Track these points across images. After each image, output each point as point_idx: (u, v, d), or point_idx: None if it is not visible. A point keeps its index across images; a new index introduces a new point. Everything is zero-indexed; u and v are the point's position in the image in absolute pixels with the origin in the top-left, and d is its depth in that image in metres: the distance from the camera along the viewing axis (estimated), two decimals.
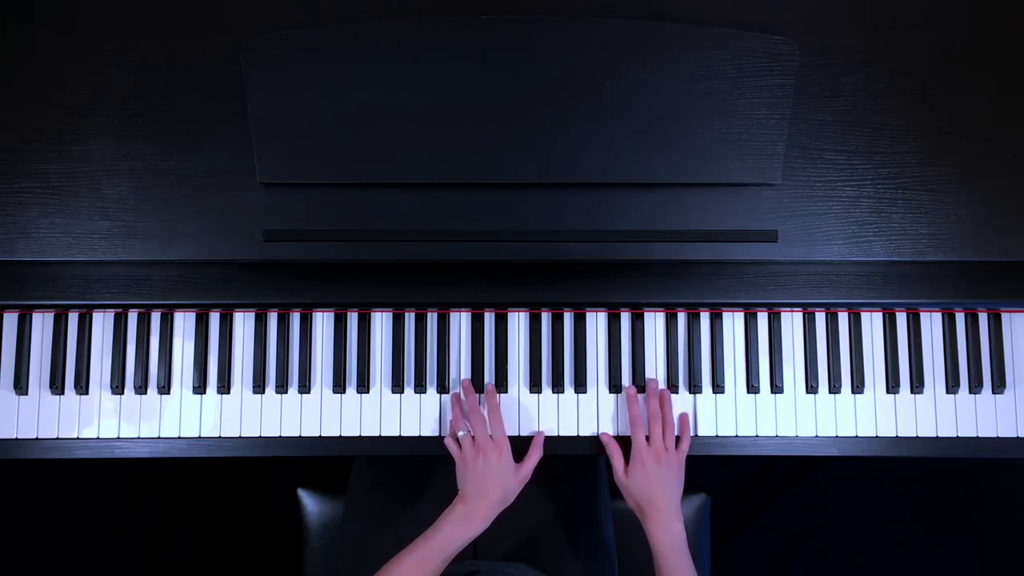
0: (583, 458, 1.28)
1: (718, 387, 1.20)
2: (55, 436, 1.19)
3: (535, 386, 1.20)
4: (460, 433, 1.15)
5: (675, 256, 1.13)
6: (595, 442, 1.19)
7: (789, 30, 1.11)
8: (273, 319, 1.21)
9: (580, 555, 1.23)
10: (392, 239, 1.11)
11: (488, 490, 1.10)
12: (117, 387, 1.19)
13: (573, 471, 1.29)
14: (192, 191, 1.11)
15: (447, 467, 1.29)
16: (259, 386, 1.19)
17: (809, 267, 1.15)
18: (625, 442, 1.17)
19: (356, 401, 1.20)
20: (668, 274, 1.15)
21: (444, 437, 1.17)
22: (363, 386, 1.19)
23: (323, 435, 1.19)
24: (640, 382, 1.20)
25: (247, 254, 1.11)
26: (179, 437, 1.19)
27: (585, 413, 1.20)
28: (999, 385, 1.21)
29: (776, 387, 1.20)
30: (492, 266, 1.15)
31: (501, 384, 1.19)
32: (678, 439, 1.17)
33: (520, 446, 1.17)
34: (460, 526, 1.09)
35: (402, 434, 1.19)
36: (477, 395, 1.19)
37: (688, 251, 1.12)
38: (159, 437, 1.19)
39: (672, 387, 1.20)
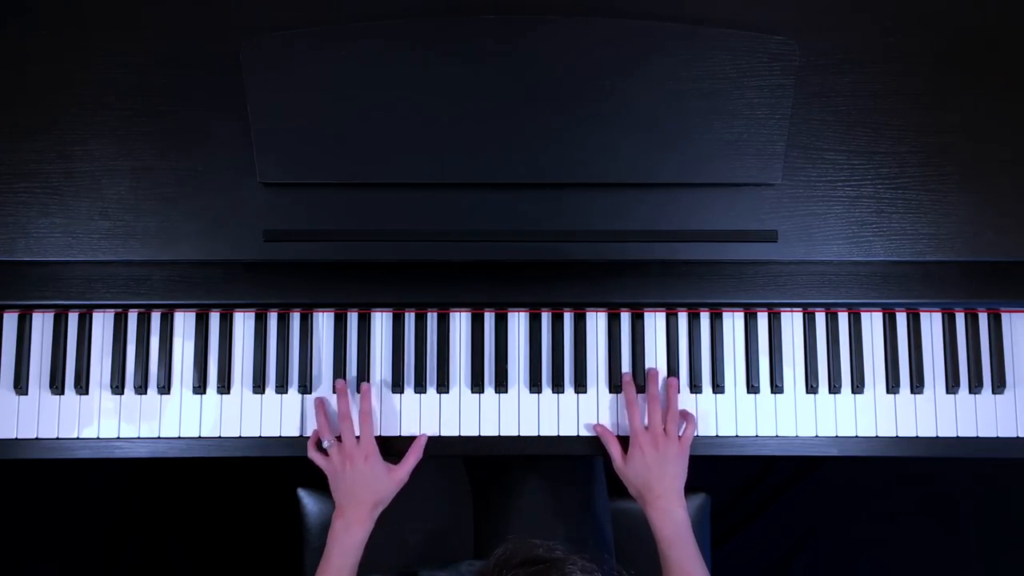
0: (583, 459, 1.28)
1: (718, 387, 1.20)
2: (55, 436, 1.19)
3: (535, 386, 1.20)
4: (325, 443, 1.13)
5: (675, 256, 1.13)
6: (595, 442, 1.19)
7: (789, 30, 1.11)
8: (273, 319, 1.21)
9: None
10: (392, 239, 1.11)
11: (358, 496, 1.10)
12: (117, 387, 1.19)
13: (573, 472, 1.29)
14: (192, 191, 1.11)
15: (446, 467, 1.29)
16: (259, 386, 1.19)
17: (809, 267, 1.15)
18: (625, 441, 1.17)
19: (355, 402, 1.20)
20: (668, 274, 1.15)
21: (307, 450, 1.15)
22: None
23: None
24: (640, 383, 1.19)
25: (247, 254, 1.11)
26: (179, 437, 1.19)
27: (585, 413, 1.20)
28: (999, 385, 1.20)
29: (776, 387, 1.20)
30: (492, 266, 1.15)
31: (501, 384, 1.19)
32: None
33: (519, 447, 1.17)
34: (344, 539, 1.09)
35: (402, 434, 1.19)
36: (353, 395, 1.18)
37: (688, 251, 1.12)
38: (159, 437, 1.19)
39: None
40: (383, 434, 1.19)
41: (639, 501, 1.13)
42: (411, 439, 1.17)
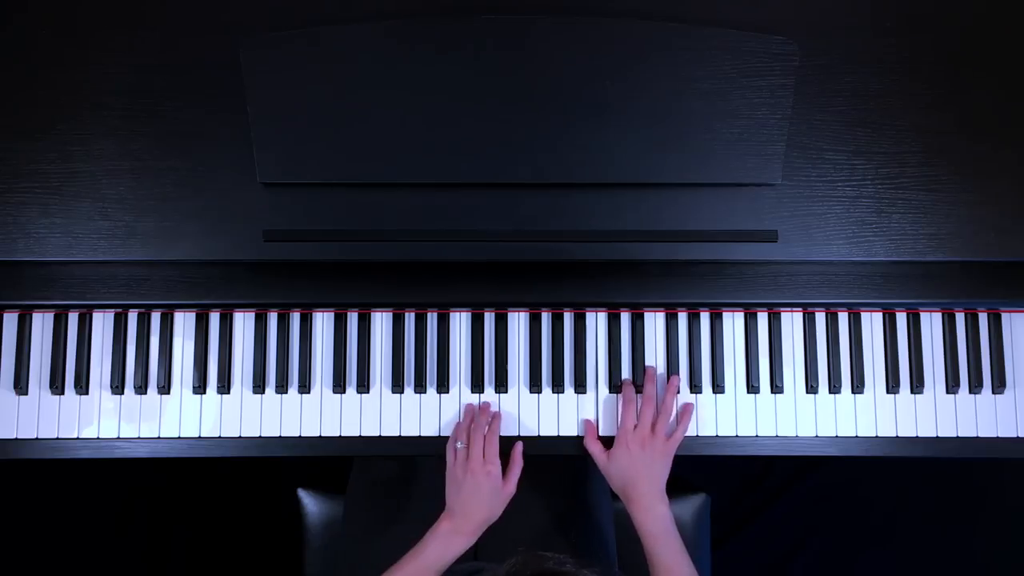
0: (583, 459, 1.28)
1: (718, 387, 1.20)
2: (55, 436, 1.19)
3: (535, 386, 1.20)
4: (459, 444, 1.14)
5: (675, 256, 1.13)
6: None
7: (789, 30, 1.11)
8: (273, 319, 1.21)
9: (581, 556, 1.23)
10: (392, 239, 1.11)
11: (473, 511, 1.10)
12: (117, 387, 1.19)
13: (573, 472, 1.29)
14: (192, 191, 1.11)
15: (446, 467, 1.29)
16: (259, 386, 1.19)
17: (809, 267, 1.15)
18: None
19: (356, 401, 1.20)
20: (668, 274, 1.15)
21: (447, 442, 1.16)
22: (363, 386, 1.19)
23: (323, 435, 1.19)
24: (640, 383, 1.19)
25: (247, 254, 1.11)
26: (179, 437, 1.19)
27: (585, 413, 1.20)
28: (999, 385, 1.20)
29: (776, 387, 1.20)
30: (492, 266, 1.15)
31: (501, 384, 1.19)
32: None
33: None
34: (446, 543, 1.09)
35: (402, 434, 1.19)
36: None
37: (688, 251, 1.12)
38: (159, 437, 1.19)
39: None
40: (383, 434, 1.19)
41: (622, 498, 1.14)
42: (406, 440, 1.17)
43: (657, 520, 1.10)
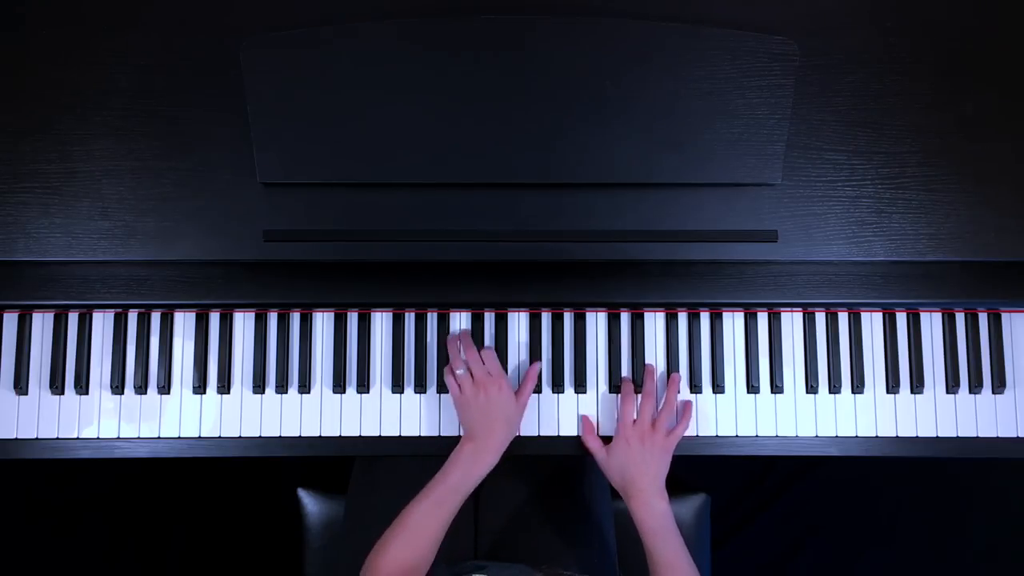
0: (583, 458, 1.28)
1: (718, 387, 1.20)
2: (55, 436, 1.19)
3: (535, 386, 1.20)
4: (459, 371, 1.14)
5: (675, 256, 1.13)
6: None
7: (789, 30, 1.11)
8: (273, 319, 1.21)
9: (579, 551, 1.23)
10: (392, 239, 1.11)
11: (494, 424, 1.11)
12: (117, 387, 1.19)
13: (573, 471, 1.29)
14: (192, 191, 1.11)
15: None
16: (259, 386, 1.19)
17: (809, 267, 1.15)
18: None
19: (356, 401, 1.20)
20: (668, 274, 1.15)
21: (444, 373, 1.17)
22: (363, 386, 1.19)
23: (323, 435, 1.19)
24: (640, 382, 1.20)
25: (247, 254, 1.11)
26: (179, 437, 1.19)
27: (585, 413, 1.20)
28: (999, 385, 1.21)
29: (776, 387, 1.20)
30: (492, 266, 1.15)
31: None
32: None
33: (519, 447, 1.17)
34: (472, 464, 1.09)
35: (402, 434, 1.19)
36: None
37: (688, 251, 1.12)
38: (159, 437, 1.19)
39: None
40: (384, 434, 1.19)
41: (621, 493, 1.14)
42: (406, 440, 1.17)
43: (656, 516, 1.10)
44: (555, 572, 0.87)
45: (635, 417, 1.16)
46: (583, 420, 1.19)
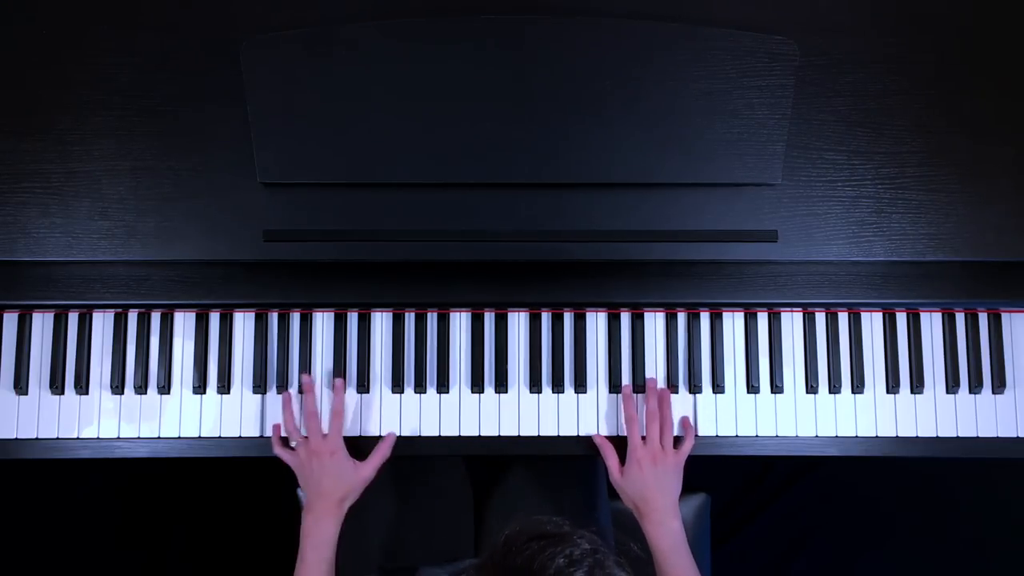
0: (583, 459, 1.28)
1: (718, 387, 1.20)
2: (55, 436, 1.19)
3: (535, 386, 1.20)
4: (293, 444, 1.13)
5: (675, 256, 1.13)
6: (594, 443, 1.19)
7: (789, 30, 1.11)
8: (273, 319, 1.21)
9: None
10: (392, 239, 1.11)
11: (325, 490, 1.09)
12: (117, 387, 1.19)
13: (574, 472, 1.29)
14: (192, 191, 1.11)
15: (447, 467, 1.29)
16: (259, 386, 1.19)
17: (809, 267, 1.15)
18: (623, 442, 1.16)
19: (356, 401, 1.20)
20: (668, 274, 1.15)
21: (273, 446, 1.15)
22: (363, 386, 1.19)
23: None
24: (640, 382, 1.20)
25: (247, 254, 1.11)
26: (179, 437, 1.19)
27: (585, 413, 1.20)
28: (999, 385, 1.20)
29: (776, 387, 1.20)
30: (492, 266, 1.15)
31: (501, 384, 1.19)
32: (679, 440, 1.17)
33: (519, 447, 1.17)
34: (315, 533, 1.08)
35: (402, 434, 1.19)
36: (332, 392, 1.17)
37: (688, 251, 1.12)
38: (159, 437, 1.19)
39: (672, 387, 1.20)
40: (383, 434, 1.19)
41: (635, 513, 1.13)
42: (406, 440, 1.17)
43: (669, 535, 1.10)
44: (531, 519, 0.85)
45: (643, 434, 1.15)
46: (599, 441, 1.17)
